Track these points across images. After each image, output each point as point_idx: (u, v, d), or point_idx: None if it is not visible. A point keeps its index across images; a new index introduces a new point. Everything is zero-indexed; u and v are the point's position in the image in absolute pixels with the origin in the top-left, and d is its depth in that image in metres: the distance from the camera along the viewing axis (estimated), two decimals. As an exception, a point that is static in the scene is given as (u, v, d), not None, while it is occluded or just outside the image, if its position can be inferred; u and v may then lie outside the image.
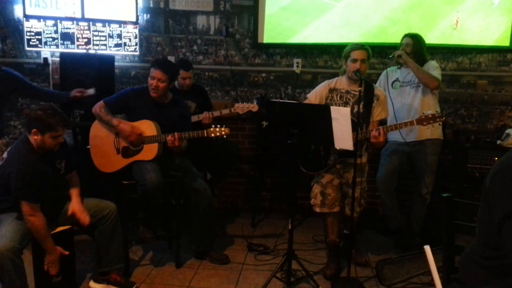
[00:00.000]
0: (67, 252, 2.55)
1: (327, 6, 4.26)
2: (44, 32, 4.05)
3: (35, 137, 2.43)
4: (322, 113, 2.56)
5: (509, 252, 1.18)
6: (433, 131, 3.29)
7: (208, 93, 4.15)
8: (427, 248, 0.85)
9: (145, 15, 4.34)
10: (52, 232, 2.53)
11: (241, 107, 3.44)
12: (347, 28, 4.24)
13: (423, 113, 2.77)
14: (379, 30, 4.17)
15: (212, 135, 2.91)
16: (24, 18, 4.01)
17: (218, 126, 2.93)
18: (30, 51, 4.19)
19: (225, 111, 3.54)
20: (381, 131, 2.74)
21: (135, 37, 4.28)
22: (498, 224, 1.20)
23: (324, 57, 4.34)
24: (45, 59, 4.24)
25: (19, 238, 2.32)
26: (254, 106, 3.44)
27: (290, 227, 2.75)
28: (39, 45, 4.07)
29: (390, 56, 3.35)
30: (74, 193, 2.69)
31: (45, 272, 2.49)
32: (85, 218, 2.59)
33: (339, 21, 4.25)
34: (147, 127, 2.98)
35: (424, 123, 2.75)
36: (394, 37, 3.91)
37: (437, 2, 4.11)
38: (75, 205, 2.63)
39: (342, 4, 4.24)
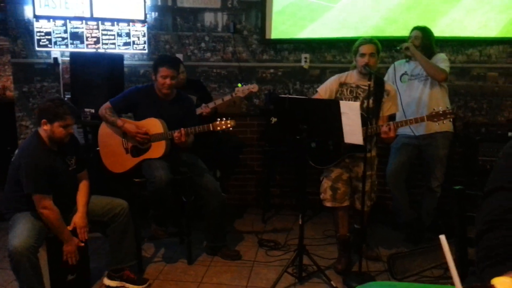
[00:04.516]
0: (82, 244, 2.59)
1: (323, 8, 4.21)
2: (53, 32, 4.08)
3: (45, 127, 2.47)
4: (331, 108, 2.56)
5: (477, 219, 1.18)
6: (442, 124, 3.27)
7: (206, 85, 4.16)
8: (443, 237, 0.85)
9: (153, 13, 4.36)
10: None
11: (241, 90, 3.41)
12: (344, 30, 4.20)
13: (434, 109, 2.75)
14: (376, 31, 4.11)
15: (218, 128, 2.90)
16: (34, 19, 4.06)
17: (224, 119, 2.91)
18: (40, 51, 4.24)
19: (227, 98, 3.53)
20: (392, 127, 2.73)
21: (144, 36, 4.30)
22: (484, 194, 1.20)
23: (332, 51, 4.33)
24: (55, 59, 4.28)
25: (35, 236, 2.36)
26: (254, 86, 3.41)
27: (300, 222, 2.75)
28: (49, 45, 4.11)
29: (398, 48, 3.32)
30: (81, 203, 2.66)
31: (61, 268, 2.53)
32: (83, 234, 2.59)
33: (336, 23, 4.22)
34: (154, 125, 2.99)
35: (435, 120, 2.74)
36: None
37: (435, 0, 4.06)
38: (78, 219, 2.60)
39: (338, 6, 4.20)
